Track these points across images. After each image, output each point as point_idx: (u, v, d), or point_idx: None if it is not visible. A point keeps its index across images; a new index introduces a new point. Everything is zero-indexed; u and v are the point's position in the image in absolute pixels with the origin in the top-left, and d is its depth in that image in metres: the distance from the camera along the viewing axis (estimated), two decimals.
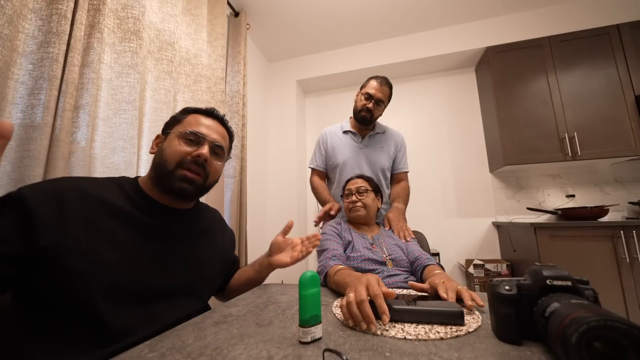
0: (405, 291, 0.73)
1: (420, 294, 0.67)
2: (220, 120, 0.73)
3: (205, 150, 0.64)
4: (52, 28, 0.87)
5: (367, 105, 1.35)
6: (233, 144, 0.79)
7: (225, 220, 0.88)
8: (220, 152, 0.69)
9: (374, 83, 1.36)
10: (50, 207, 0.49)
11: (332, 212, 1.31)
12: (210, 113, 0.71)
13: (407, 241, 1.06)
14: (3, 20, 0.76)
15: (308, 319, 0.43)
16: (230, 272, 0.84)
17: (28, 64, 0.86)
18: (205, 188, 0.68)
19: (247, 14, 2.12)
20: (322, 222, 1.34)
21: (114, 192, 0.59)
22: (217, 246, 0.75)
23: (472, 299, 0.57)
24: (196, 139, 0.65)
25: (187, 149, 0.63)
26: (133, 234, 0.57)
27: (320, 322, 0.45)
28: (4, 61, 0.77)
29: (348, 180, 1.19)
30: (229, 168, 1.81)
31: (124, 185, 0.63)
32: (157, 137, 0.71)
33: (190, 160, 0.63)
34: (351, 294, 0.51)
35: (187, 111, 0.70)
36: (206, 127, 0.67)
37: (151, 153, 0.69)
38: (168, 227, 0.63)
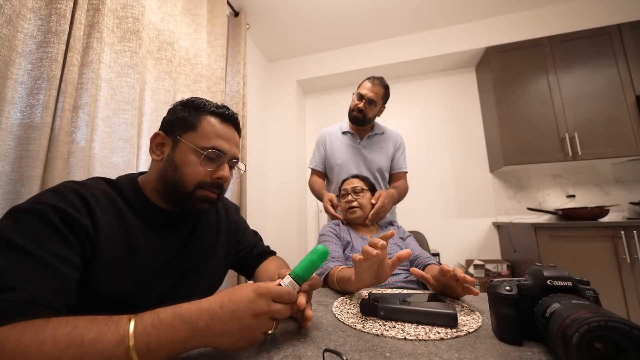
0: (405, 291, 0.73)
1: (415, 292, 0.67)
2: (237, 125, 0.64)
3: (226, 171, 0.59)
4: (51, 28, 0.87)
5: (358, 105, 1.37)
6: None
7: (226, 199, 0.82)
8: (236, 165, 0.64)
9: (367, 84, 1.38)
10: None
11: (334, 204, 1.24)
12: (227, 118, 0.61)
13: (371, 215, 1.08)
14: (2, 19, 0.76)
15: (301, 276, 0.46)
16: (252, 260, 0.76)
17: (27, 63, 0.86)
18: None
19: (247, 13, 2.12)
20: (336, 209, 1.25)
21: (120, 206, 0.54)
22: (223, 240, 0.72)
23: (465, 283, 0.59)
24: (216, 157, 0.58)
25: (207, 169, 0.57)
26: (151, 252, 0.55)
27: (300, 286, 0.46)
28: (3, 61, 0.77)
29: (344, 181, 1.18)
30: None
31: (128, 196, 0.56)
32: (158, 135, 0.59)
33: (211, 182, 0.58)
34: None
35: (200, 110, 0.59)
36: (225, 139, 0.59)
37: (156, 160, 0.58)
38: (178, 235, 0.61)
